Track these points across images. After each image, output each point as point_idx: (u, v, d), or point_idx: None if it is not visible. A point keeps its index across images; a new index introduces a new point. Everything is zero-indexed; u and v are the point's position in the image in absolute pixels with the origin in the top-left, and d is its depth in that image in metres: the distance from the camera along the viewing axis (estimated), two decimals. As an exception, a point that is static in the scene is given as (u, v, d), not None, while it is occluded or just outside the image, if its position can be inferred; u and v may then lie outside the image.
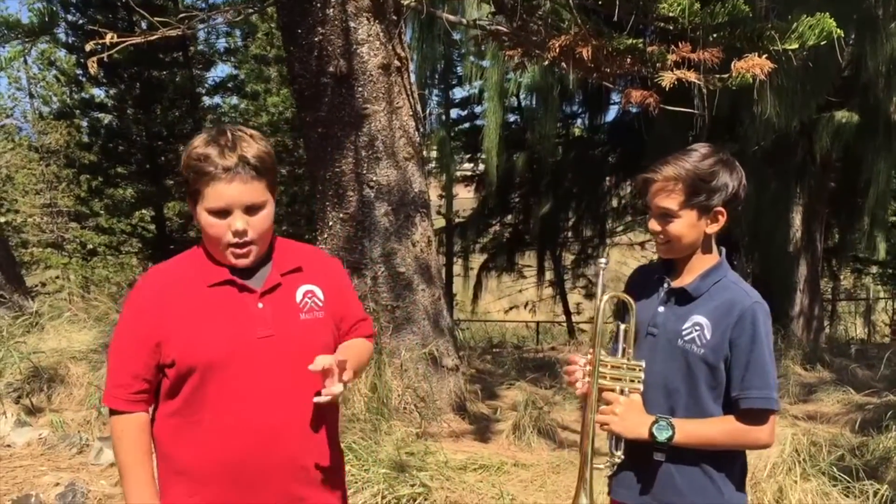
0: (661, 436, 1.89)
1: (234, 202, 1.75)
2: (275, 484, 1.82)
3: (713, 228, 1.95)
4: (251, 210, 1.78)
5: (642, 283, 2.07)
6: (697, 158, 1.92)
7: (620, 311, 2.09)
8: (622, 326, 2.00)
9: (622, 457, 1.97)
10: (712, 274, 1.97)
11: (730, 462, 1.98)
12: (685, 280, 1.99)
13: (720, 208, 1.92)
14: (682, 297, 1.98)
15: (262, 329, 1.81)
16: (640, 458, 1.97)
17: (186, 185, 1.81)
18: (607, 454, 2.01)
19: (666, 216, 1.93)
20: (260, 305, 1.84)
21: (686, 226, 1.92)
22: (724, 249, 2.03)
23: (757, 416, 1.90)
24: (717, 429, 1.92)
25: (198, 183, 1.76)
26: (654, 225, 1.97)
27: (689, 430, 1.91)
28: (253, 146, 1.77)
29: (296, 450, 1.84)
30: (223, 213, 1.76)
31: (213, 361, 1.77)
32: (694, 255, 1.98)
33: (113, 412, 1.84)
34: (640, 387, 1.95)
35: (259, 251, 1.84)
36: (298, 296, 1.89)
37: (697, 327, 1.92)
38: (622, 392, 1.96)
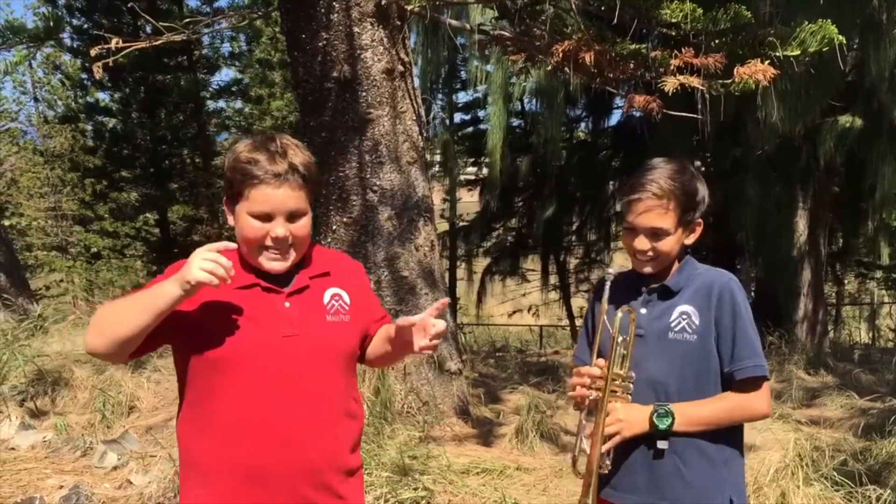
0: (662, 424, 1.92)
1: (279, 208, 1.77)
2: (286, 485, 1.79)
3: (691, 239, 2.03)
4: (293, 217, 1.79)
5: (623, 288, 2.09)
6: (673, 174, 1.96)
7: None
8: (621, 338, 2.02)
9: (609, 462, 1.99)
10: (686, 268, 2.04)
11: (732, 445, 2.01)
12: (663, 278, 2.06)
13: (699, 220, 2.01)
14: (664, 293, 2.03)
15: (286, 328, 1.81)
16: (641, 457, 1.98)
17: (228, 187, 1.81)
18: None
19: (657, 234, 1.96)
20: (287, 305, 1.84)
21: (676, 242, 1.99)
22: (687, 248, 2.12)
23: (753, 384, 1.96)
24: (716, 406, 1.96)
25: (242, 185, 1.77)
26: (643, 243, 1.98)
27: (688, 413, 1.93)
28: (300, 155, 1.80)
29: (311, 452, 1.81)
30: (266, 217, 1.77)
31: (236, 355, 1.77)
32: (672, 264, 2.06)
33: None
34: (630, 398, 1.99)
35: (296, 258, 1.84)
36: (326, 298, 1.90)
37: (685, 316, 1.98)
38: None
